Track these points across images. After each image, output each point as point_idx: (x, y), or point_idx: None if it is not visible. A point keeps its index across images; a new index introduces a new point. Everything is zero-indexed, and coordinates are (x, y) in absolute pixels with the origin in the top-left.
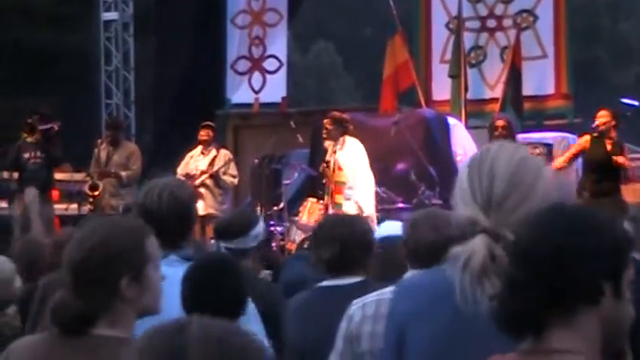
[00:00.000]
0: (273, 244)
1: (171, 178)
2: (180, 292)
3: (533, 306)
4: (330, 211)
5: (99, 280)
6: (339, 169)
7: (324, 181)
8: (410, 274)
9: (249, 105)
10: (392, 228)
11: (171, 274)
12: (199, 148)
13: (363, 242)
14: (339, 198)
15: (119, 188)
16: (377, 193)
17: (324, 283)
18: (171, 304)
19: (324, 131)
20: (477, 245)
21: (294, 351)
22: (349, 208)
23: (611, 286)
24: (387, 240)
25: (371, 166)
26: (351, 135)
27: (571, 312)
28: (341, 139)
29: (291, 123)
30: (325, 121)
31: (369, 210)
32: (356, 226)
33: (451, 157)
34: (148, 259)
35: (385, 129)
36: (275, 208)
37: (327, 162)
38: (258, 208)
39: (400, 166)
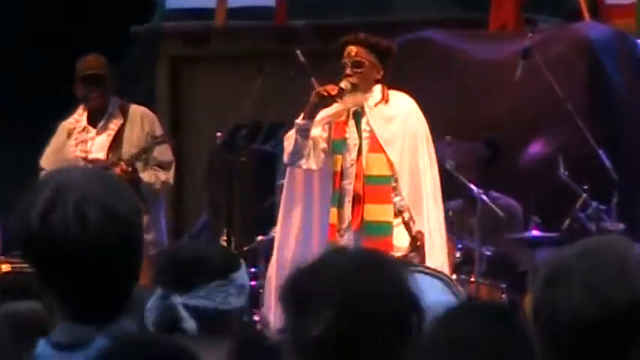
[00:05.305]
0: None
1: (92, 169)
2: None
3: None
4: (347, 236)
5: None
6: (378, 149)
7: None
8: None
9: (205, 12)
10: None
11: None
12: (83, 115)
13: None
14: (379, 212)
15: None
16: (490, 207)
17: None
18: None
19: (354, 69)
20: None
21: None
22: (401, 236)
23: None
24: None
25: (476, 144)
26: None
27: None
28: (376, 88)
29: (298, 53)
30: (350, 47)
31: (438, 241)
32: None
33: None
34: None
35: (504, 65)
36: (260, 238)
37: (345, 139)
38: (224, 237)
39: (536, 146)
